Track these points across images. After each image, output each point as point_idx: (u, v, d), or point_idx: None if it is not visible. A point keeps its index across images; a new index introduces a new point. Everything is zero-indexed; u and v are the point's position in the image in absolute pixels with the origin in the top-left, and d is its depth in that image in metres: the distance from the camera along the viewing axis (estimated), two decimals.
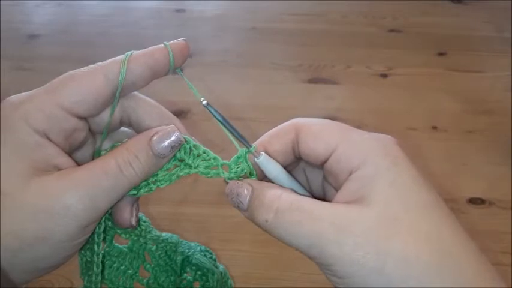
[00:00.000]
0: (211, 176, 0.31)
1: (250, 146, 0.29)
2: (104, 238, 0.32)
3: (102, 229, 0.30)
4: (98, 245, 0.31)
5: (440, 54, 1.15)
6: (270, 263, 0.66)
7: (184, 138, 0.30)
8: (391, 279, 0.23)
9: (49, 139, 0.27)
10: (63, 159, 0.27)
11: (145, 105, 0.30)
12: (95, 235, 0.30)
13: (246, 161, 0.30)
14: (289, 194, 0.26)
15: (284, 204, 0.26)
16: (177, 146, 0.29)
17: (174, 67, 0.30)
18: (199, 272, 0.35)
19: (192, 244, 0.36)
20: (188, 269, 0.35)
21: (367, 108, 0.98)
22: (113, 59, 0.29)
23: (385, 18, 1.30)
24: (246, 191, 0.27)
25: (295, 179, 0.30)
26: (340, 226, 0.24)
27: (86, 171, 0.26)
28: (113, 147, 0.31)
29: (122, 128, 0.32)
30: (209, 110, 0.30)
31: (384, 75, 1.09)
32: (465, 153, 0.88)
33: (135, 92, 0.31)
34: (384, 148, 0.26)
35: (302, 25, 1.27)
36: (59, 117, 0.27)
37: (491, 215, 0.76)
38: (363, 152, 0.26)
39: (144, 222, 0.34)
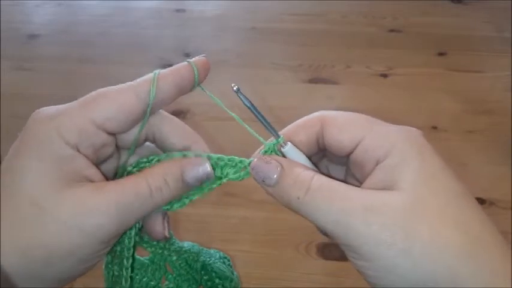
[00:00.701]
0: (243, 178, 0.31)
1: (278, 136, 0.30)
2: (133, 247, 0.32)
3: (132, 244, 0.31)
4: (128, 259, 0.31)
5: (440, 54, 1.15)
6: (270, 263, 0.66)
7: (209, 156, 0.31)
8: (419, 262, 0.23)
9: (79, 151, 0.27)
10: (93, 171, 0.28)
11: (169, 123, 0.31)
12: (125, 250, 0.31)
13: (276, 152, 0.30)
14: (320, 175, 0.27)
15: (316, 183, 0.26)
16: (206, 180, 0.30)
17: (198, 83, 0.31)
18: (215, 277, 0.35)
19: (212, 251, 0.36)
20: (207, 276, 0.35)
21: (367, 108, 0.98)
22: (143, 78, 0.29)
23: (385, 18, 1.30)
24: (275, 168, 0.28)
25: (320, 170, 0.30)
26: (368, 206, 0.24)
27: (119, 189, 0.27)
28: (138, 163, 0.31)
29: (146, 143, 0.33)
30: (240, 98, 0.31)
31: (384, 75, 1.09)
32: (465, 153, 0.88)
33: (160, 111, 0.31)
34: (410, 138, 0.26)
35: (302, 25, 1.27)
36: (91, 132, 0.27)
37: (491, 215, 0.76)
38: (389, 142, 0.26)
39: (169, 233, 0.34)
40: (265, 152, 0.30)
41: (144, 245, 0.33)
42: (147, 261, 0.33)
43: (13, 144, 0.27)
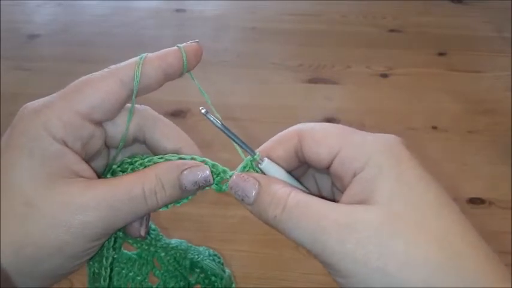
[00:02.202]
0: (225, 190, 0.30)
1: (254, 153, 0.29)
2: (113, 247, 0.32)
3: (112, 243, 0.31)
4: (107, 258, 0.31)
5: (440, 54, 1.15)
6: (269, 263, 0.66)
7: (204, 161, 0.30)
8: (395, 280, 0.22)
9: (67, 146, 0.27)
10: (83, 166, 0.27)
11: (162, 126, 0.31)
12: (104, 249, 0.31)
13: (254, 168, 0.29)
14: (297, 192, 0.26)
15: (293, 201, 0.26)
16: (204, 186, 0.29)
17: (187, 69, 0.30)
18: (202, 275, 0.35)
19: (201, 249, 0.36)
20: (192, 272, 0.35)
21: (367, 108, 0.98)
22: (127, 61, 0.29)
23: (385, 18, 1.30)
24: (253, 186, 0.27)
25: (301, 182, 0.30)
26: (343, 223, 0.24)
27: (110, 190, 0.26)
28: (122, 163, 0.30)
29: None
30: (209, 119, 0.30)
31: (384, 75, 1.09)
32: (465, 153, 0.88)
33: (152, 111, 0.31)
34: (387, 148, 0.26)
35: (302, 25, 1.27)
36: (77, 124, 0.27)
37: (491, 215, 0.76)
38: (366, 153, 0.26)
39: (154, 230, 0.34)
40: (244, 168, 0.29)
41: (130, 241, 0.32)
42: (134, 256, 0.33)
43: (2, 139, 0.27)
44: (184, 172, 0.28)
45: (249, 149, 0.29)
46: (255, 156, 0.29)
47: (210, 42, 1.19)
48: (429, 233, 0.23)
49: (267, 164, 0.29)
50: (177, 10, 1.33)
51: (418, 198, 0.24)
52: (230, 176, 0.29)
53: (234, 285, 0.37)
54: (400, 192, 0.24)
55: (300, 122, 0.30)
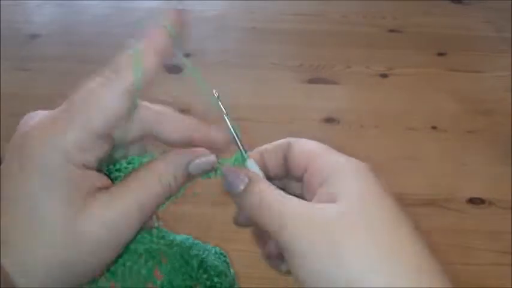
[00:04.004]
0: (210, 177, 0.32)
1: (245, 152, 0.31)
2: None
3: None
4: None
5: (440, 54, 1.15)
6: None
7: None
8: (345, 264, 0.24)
9: (86, 167, 0.26)
10: (101, 178, 0.27)
11: (169, 118, 0.30)
12: None
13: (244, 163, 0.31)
14: (275, 189, 0.28)
15: (264, 196, 0.28)
16: (208, 171, 0.31)
17: (179, 44, 0.29)
18: (209, 272, 0.35)
19: (208, 246, 0.36)
20: (202, 271, 0.35)
21: (367, 108, 0.98)
22: (124, 63, 0.27)
23: (385, 18, 1.30)
24: (242, 180, 0.29)
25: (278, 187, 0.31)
26: (304, 212, 0.26)
27: (134, 194, 0.27)
28: (120, 167, 0.30)
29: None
30: (220, 106, 0.31)
31: (384, 75, 1.09)
32: (465, 153, 0.88)
33: (158, 107, 0.31)
34: (354, 168, 0.27)
35: (302, 25, 1.27)
36: (92, 145, 0.26)
37: (491, 215, 0.76)
38: (335, 169, 0.27)
39: (156, 228, 0.33)
40: (233, 162, 0.31)
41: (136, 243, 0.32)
42: (140, 250, 0.33)
43: (7, 165, 0.26)
44: (194, 162, 0.29)
45: (243, 147, 0.31)
46: (245, 155, 0.31)
47: (210, 42, 1.19)
48: (379, 240, 0.24)
49: (250, 164, 0.31)
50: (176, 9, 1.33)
51: (374, 212, 0.25)
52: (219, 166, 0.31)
53: (236, 286, 0.36)
54: (358, 204, 0.25)
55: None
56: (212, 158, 0.30)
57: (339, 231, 0.24)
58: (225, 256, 0.36)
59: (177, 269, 0.33)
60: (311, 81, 1.07)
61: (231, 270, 0.36)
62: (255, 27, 1.26)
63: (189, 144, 0.30)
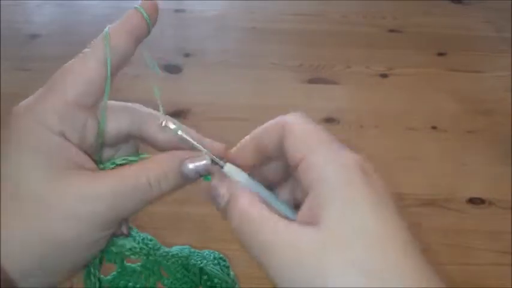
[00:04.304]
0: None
1: (223, 164, 0.30)
2: (115, 260, 0.32)
3: (98, 261, 0.31)
4: (94, 275, 0.31)
5: (440, 54, 1.15)
6: None
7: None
8: None
9: (66, 138, 0.27)
10: (83, 158, 0.28)
11: (154, 121, 0.31)
12: (91, 267, 0.31)
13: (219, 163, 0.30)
14: (255, 206, 0.27)
15: (248, 217, 0.27)
16: (204, 173, 0.30)
17: (152, 25, 0.30)
18: (209, 281, 0.34)
19: (206, 253, 0.35)
20: (202, 280, 0.34)
21: (367, 108, 0.98)
22: (97, 40, 0.30)
23: (385, 18, 1.30)
24: (223, 196, 0.29)
25: (263, 186, 0.31)
26: (287, 244, 0.25)
27: (116, 180, 0.27)
28: (125, 160, 0.30)
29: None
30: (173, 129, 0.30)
31: (384, 75, 1.09)
32: (465, 153, 0.88)
33: (148, 109, 0.31)
34: (344, 169, 0.26)
35: (302, 25, 1.27)
36: (70, 114, 0.27)
37: (491, 215, 0.76)
38: (323, 171, 0.26)
39: (151, 240, 0.33)
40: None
41: (127, 253, 0.32)
42: (139, 268, 0.33)
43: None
44: (186, 161, 0.29)
45: (216, 159, 0.30)
46: (221, 163, 0.30)
47: (210, 42, 1.19)
48: (356, 265, 0.23)
49: (228, 170, 0.30)
50: (177, 10, 1.33)
51: (357, 226, 0.24)
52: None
53: (237, 286, 0.36)
54: (343, 216, 0.24)
55: None
56: (206, 159, 0.30)
57: (323, 262, 0.23)
58: (224, 260, 0.36)
59: (180, 279, 0.33)
60: (311, 81, 1.07)
61: (231, 273, 0.36)
62: (255, 27, 1.26)
63: (175, 148, 0.30)
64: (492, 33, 1.23)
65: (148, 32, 0.30)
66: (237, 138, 0.31)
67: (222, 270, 0.35)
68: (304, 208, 0.26)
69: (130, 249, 0.32)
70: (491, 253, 0.71)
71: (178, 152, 0.30)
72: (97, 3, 1.39)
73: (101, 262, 0.32)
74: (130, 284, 0.33)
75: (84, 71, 0.28)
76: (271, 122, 0.30)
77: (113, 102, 0.30)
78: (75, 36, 1.21)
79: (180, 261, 0.33)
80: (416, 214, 0.76)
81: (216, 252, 0.36)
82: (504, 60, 1.12)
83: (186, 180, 0.30)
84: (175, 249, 0.34)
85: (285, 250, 0.24)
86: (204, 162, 0.29)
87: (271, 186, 0.32)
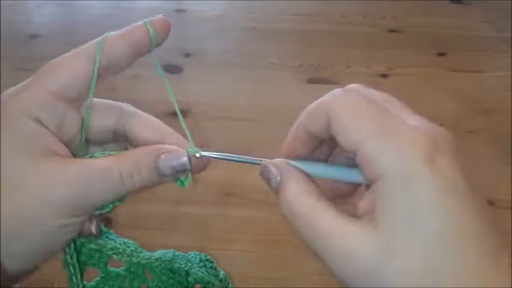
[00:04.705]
0: (185, 187, 0.31)
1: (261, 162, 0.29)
2: (98, 264, 0.32)
3: (75, 258, 0.31)
4: (76, 278, 0.31)
5: (440, 54, 1.15)
6: (269, 263, 0.67)
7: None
8: None
9: (43, 125, 0.28)
10: (60, 146, 0.28)
11: (141, 119, 0.31)
12: (70, 267, 0.31)
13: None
14: (306, 198, 0.26)
15: (298, 211, 0.25)
16: (181, 172, 0.29)
17: (156, 44, 0.30)
18: (195, 284, 0.34)
19: (191, 255, 0.34)
20: (189, 284, 0.34)
21: None
22: (92, 41, 0.30)
23: (385, 18, 1.30)
24: (275, 177, 0.27)
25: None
26: (340, 250, 0.23)
27: (86, 168, 0.27)
28: (93, 155, 0.30)
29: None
30: (210, 156, 0.30)
31: (384, 75, 1.09)
32: (465, 153, 0.88)
33: (132, 107, 0.31)
34: (404, 164, 0.22)
35: (302, 25, 1.27)
36: (50, 103, 0.28)
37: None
38: (383, 164, 0.23)
39: (133, 244, 0.33)
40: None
41: (109, 252, 0.31)
42: (123, 272, 0.32)
43: None
44: (161, 156, 0.28)
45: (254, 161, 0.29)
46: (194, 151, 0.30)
47: (210, 42, 1.19)
48: (417, 273, 0.22)
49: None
50: (177, 10, 1.33)
51: (418, 230, 0.22)
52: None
53: (230, 285, 0.36)
54: (401, 222, 0.22)
55: None
56: (183, 156, 0.28)
57: (379, 266, 0.22)
58: (211, 262, 0.35)
59: (165, 281, 0.33)
60: (311, 81, 1.07)
61: (221, 273, 0.35)
62: (255, 27, 1.26)
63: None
64: (492, 33, 1.23)
65: (151, 49, 0.30)
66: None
67: (208, 272, 0.34)
68: (363, 201, 0.24)
69: (112, 248, 0.32)
70: None
71: (156, 146, 0.29)
72: (97, 3, 1.39)
73: (84, 267, 0.32)
74: None
75: (70, 65, 0.29)
76: (313, 107, 0.28)
77: (99, 100, 0.31)
78: (75, 36, 1.22)
79: (163, 265, 0.33)
80: None
81: (202, 254, 0.35)
82: (504, 60, 1.12)
83: (161, 176, 0.29)
84: (158, 253, 0.33)
85: (339, 244, 0.23)
86: (182, 161, 0.28)
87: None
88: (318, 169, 0.28)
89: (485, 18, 1.28)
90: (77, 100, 0.29)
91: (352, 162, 0.26)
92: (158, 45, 0.30)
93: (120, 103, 0.32)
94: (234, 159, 0.29)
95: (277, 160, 0.28)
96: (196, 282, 0.34)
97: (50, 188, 0.26)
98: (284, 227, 0.26)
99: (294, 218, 0.25)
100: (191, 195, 0.77)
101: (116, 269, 0.33)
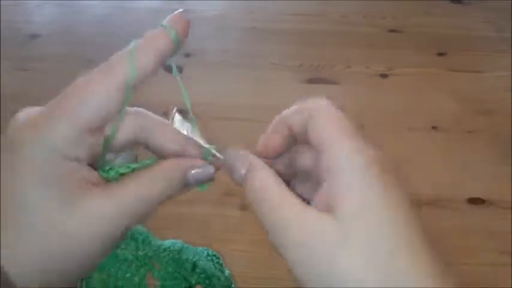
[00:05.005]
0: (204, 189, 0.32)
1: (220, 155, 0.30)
2: None
3: None
4: None
5: (440, 54, 1.15)
6: (269, 263, 0.66)
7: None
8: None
9: (77, 160, 0.26)
10: (93, 174, 0.27)
11: (163, 128, 0.30)
12: None
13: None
14: (272, 187, 0.27)
15: (263, 196, 0.27)
16: (208, 182, 0.30)
17: (180, 46, 0.29)
18: (202, 275, 0.34)
19: (199, 249, 0.35)
20: (193, 273, 0.34)
21: (367, 108, 0.98)
22: (119, 56, 0.27)
23: (385, 18, 1.30)
24: (242, 168, 0.28)
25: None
26: (303, 236, 0.24)
27: (127, 198, 0.27)
28: (128, 168, 0.29)
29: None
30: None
31: (384, 75, 1.09)
32: (465, 153, 0.88)
33: (152, 114, 0.30)
34: (359, 166, 0.25)
35: (302, 25, 1.27)
36: (82, 138, 0.26)
37: (491, 215, 0.76)
38: (341, 161, 0.25)
39: (141, 234, 0.33)
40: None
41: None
42: (131, 256, 0.33)
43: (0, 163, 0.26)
44: (192, 172, 0.29)
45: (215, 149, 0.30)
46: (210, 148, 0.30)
47: (210, 42, 1.19)
48: (371, 257, 0.23)
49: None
50: (177, 10, 1.33)
51: (377, 221, 0.24)
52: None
53: (233, 285, 0.36)
54: (359, 212, 0.24)
55: None
56: (211, 169, 0.30)
57: (337, 251, 0.23)
58: (218, 258, 0.35)
59: (171, 273, 0.33)
60: (311, 81, 1.07)
61: (226, 271, 0.36)
62: (255, 27, 1.26)
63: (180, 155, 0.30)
64: (492, 33, 1.23)
65: (175, 54, 0.29)
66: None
67: (215, 266, 0.35)
68: (320, 196, 0.26)
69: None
70: (491, 253, 0.71)
71: (183, 160, 0.29)
72: (97, 3, 1.39)
73: None
74: (120, 272, 0.32)
75: (100, 92, 0.26)
76: (298, 105, 0.30)
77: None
78: (75, 36, 1.22)
79: (171, 255, 0.33)
80: None
81: (210, 250, 0.35)
82: (504, 60, 1.12)
83: (188, 187, 0.30)
84: (168, 242, 0.34)
85: (297, 232, 0.24)
86: (211, 171, 0.29)
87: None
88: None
89: (485, 18, 1.28)
90: (101, 127, 0.28)
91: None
92: (183, 43, 0.29)
93: (139, 109, 0.30)
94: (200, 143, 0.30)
95: (241, 152, 0.29)
96: (205, 274, 0.34)
97: (96, 226, 0.26)
98: None
99: (258, 205, 0.27)
100: (191, 195, 0.77)
101: (125, 253, 0.33)
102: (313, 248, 0.24)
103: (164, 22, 0.28)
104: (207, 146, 0.30)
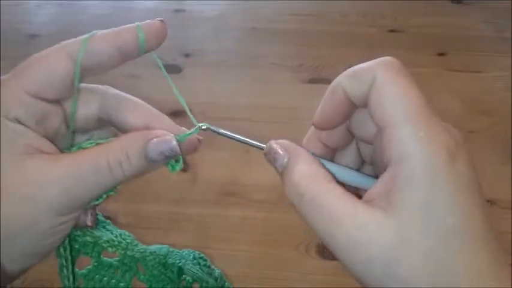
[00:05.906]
0: (176, 171, 0.30)
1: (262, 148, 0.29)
2: (92, 254, 0.32)
3: (69, 253, 0.30)
4: (67, 268, 0.31)
5: (440, 54, 1.15)
6: (269, 263, 0.66)
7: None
8: None
9: (22, 124, 0.27)
10: (43, 142, 0.27)
11: (127, 103, 0.29)
12: (63, 260, 0.30)
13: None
14: (316, 182, 0.25)
15: (309, 195, 0.24)
16: (171, 157, 0.28)
17: (145, 50, 0.28)
18: (188, 279, 0.34)
19: (185, 252, 0.34)
20: (182, 277, 0.34)
21: None
22: (76, 39, 0.29)
23: (385, 18, 1.30)
24: (282, 159, 0.26)
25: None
26: (353, 235, 0.23)
27: (74, 162, 0.26)
28: (81, 145, 0.29)
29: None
30: (216, 132, 0.30)
31: None
32: None
33: (115, 90, 0.30)
34: (429, 159, 0.22)
35: (302, 25, 1.27)
36: (28, 103, 0.27)
37: (491, 215, 0.76)
38: (405, 152, 0.23)
39: (128, 236, 0.33)
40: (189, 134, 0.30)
41: (104, 245, 0.31)
42: (116, 263, 0.32)
43: None
44: (150, 142, 0.27)
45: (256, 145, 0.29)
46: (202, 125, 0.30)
47: (210, 42, 1.19)
48: (430, 264, 0.22)
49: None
50: (177, 10, 1.33)
51: (434, 224, 0.22)
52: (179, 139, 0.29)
53: (228, 285, 0.36)
54: (421, 214, 0.22)
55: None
56: (172, 140, 0.28)
57: (396, 254, 0.22)
58: (205, 260, 0.35)
59: (157, 276, 0.33)
60: (311, 81, 1.07)
61: (216, 271, 0.35)
62: (255, 27, 1.26)
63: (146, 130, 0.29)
64: (492, 33, 1.23)
65: (141, 53, 0.28)
66: None
67: (202, 269, 0.34)
68: (379, 186, 0.23)
69: (107, 241, 0.31)
70: None
71: (144, 131, 0.28)
72: (97, 3, 1.39)
73: (76, 255, 0.31)
74: (105, 278, 0.32)
75: (51, 63, 0.27)
76: (358, 68, 0.27)
77: (80, 84, 0.29)
78: (75, 36, 1.21)
79: (157, 259, 0.33)
80: None
81: (196, 252, 0.35)
82: (504, 60, 1.12)
83: (150, 162, 0.27)
84: (153, 247, 0.33)
85: (350, 232, 0.22)
86: (171, 143, 0.27)
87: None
88: (333, 170, 0.27)
89: (485, 18, 1.28)
90: (56, 100, 0.28)
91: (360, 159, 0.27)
92: (153, 49, 0.29)
93: (102, 86, 0.30)
94: (239, 139, 0.29)
95: (283, 141, 0.27)
96: (193, 280, 0.34)
97: (39, 188, 0.25)
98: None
99: (301, 201, 0.24)
100: (191, 195, 0.77)
101: (109, 260, 0.33)
102: (371, 249, 0.22)
103: (140, 23, 0.28)
104: (199, 124, 0.30)
